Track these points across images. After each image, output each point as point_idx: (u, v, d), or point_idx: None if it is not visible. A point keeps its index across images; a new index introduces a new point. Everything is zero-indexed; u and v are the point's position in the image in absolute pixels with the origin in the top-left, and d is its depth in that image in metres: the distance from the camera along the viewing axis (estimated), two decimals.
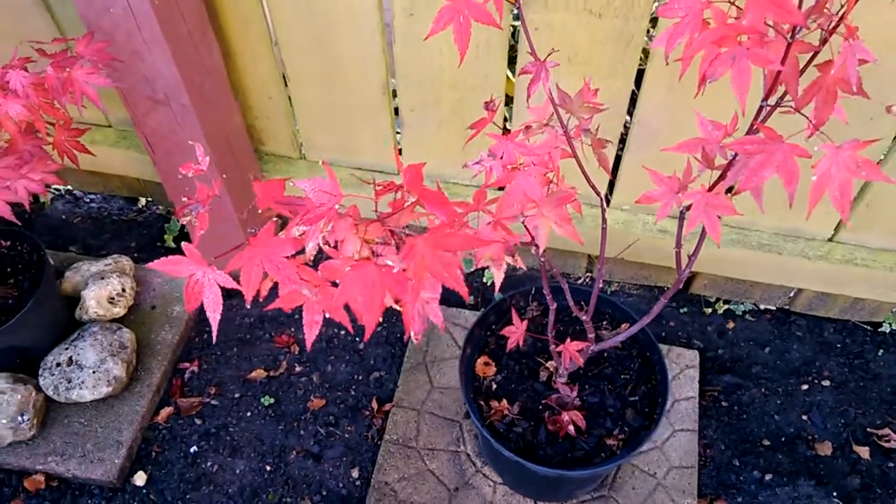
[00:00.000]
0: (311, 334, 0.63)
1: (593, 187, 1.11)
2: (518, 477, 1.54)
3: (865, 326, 1.92)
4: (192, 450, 1.71)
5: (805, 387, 1.82)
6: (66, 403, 1.69)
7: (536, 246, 0.97)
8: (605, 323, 1.57)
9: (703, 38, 0.66)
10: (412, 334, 0.68)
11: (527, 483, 1.55)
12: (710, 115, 0.95)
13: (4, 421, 1.59)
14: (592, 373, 1.51)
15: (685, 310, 1.97)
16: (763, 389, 1.82)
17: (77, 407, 1.70)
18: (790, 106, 0.82)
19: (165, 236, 2.09)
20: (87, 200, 2.23)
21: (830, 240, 1.69)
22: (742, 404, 1.80)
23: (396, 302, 0.64)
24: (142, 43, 1.32)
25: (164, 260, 0.73)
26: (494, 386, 1.50)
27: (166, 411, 1.76)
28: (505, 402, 1.47)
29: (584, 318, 1.33)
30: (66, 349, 1.68)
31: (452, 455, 1.67)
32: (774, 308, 1.96)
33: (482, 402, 1.47)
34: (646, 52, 1.48)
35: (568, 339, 1.35)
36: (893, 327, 1.90)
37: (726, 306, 1.97)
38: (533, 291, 1.59)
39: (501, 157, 1.05)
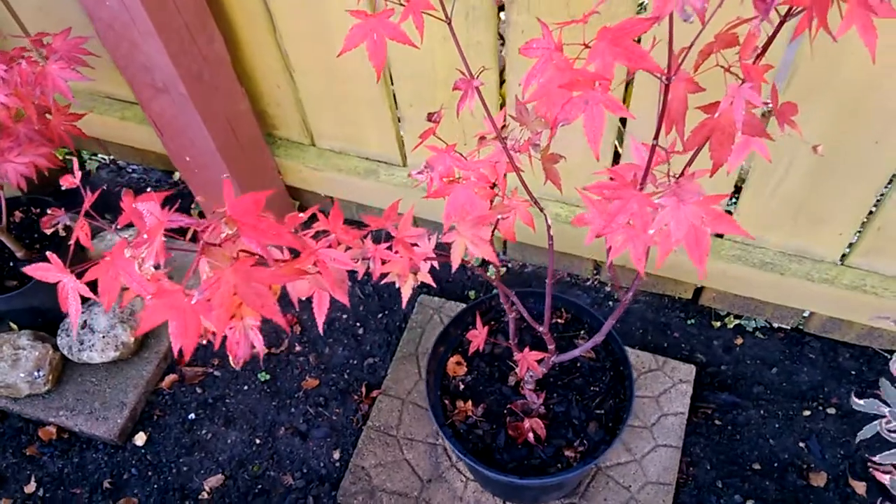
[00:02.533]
0: (186, 344, 0.65)
1: (535, 203, 1.10)
2: (478, 476, 1.56)
3: (885, 354, 1.81)
4: (190, 416, 1.82)
5: (808, 412, 1.74)
6: (79, 363, 1.82)
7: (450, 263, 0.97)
8: (582, 332, 1.56)
9: (549, 81, 0.65)
10: (231, 359, 0.71)
11: (489, 483, 1.57)
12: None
13: (22, 375, 1.73)
14: (562, 381, 1.50)
15: (692, 321, 1.91)
16: (762, 411, 1.76)
17: (90, 367, 1.83)
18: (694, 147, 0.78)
19: (191, 210, 2.20)
20: (130, 171, 2.36)
21: (841, 263, 1.60)
22: (737, 424, 1.74)
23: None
24: (137, 34, 1.38)
25: (34, 266, 0.79)
26: (462, 386, 1.51)
27: (171, 378, 1.87)
28: (470, 403, 1.48)
29: (541, 329, 1.32)
30: (83, 312, 1.81)
31: (430, 447, 1.70)
32: (789, 327, 1.87)
33: (448, 402, 1.49)
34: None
35: (527, 349, 1.35)
36: None
37: (737, 321, 1.90)
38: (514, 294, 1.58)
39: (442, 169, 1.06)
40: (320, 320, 0.83)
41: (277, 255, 0.79)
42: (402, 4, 0.92)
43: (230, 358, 0.70)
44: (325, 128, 1.84)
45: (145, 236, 0.60)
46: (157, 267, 0.66)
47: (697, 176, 0.86)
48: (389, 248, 0.89)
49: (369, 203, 1.95)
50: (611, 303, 1.97)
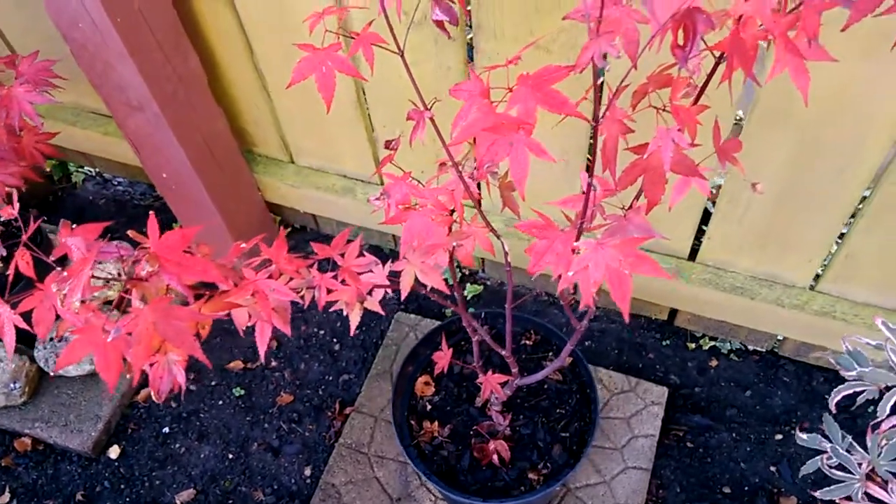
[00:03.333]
0: (108, 377, 0.67)
1: (493, 230, 1.11)
2: (444, 497, 1.57)
3: None
4: (164, 430, 1.83)
5: (780, 436, 1.74)
6: (56, 376, 1.83)
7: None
8: (550, 354, 1.56)
9: (473, 124, 0.66)
10: (153, 394, 0.72)
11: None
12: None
13: None
14: (529, 403, 1.51)
15: (668, 343, 1.92)
16: (734, 434, 1.76)
17: (66, 380, 1.85)
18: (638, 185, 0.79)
19: (174, 224, 2.21)
20: (115, 183, 2.38)
21: (812, 289, 1.60)
22: (708, 447, 1.74)
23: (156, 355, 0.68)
24: (110, 55, 1.40)
25: None
26: (429, 406, 1.52)
27: (146, 391, 1.88)
28: (437, 423, 1.49)
29: (504, 353, 1.32)
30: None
31: (400, 466, 1.70)
32: (763, 350, 1.87)
33: (414, 422, 1.50)
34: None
35: (490, 372, 1.35)
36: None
37: (712, 343, 1.90)
38: (483, 315, 1.59)
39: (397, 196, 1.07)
40: (262, 349, 0.84)
41: (225, 285, 0.80)
42: (351, 37, 0.94)
43: (152, 393, 0.71)
44: (303, 146, 1.86)
45: (65, 274, 0.61)
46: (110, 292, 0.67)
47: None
48: (335, 276, 0.90)
49: (347, 220, 1.96)
50: (587, 321, 1.97)
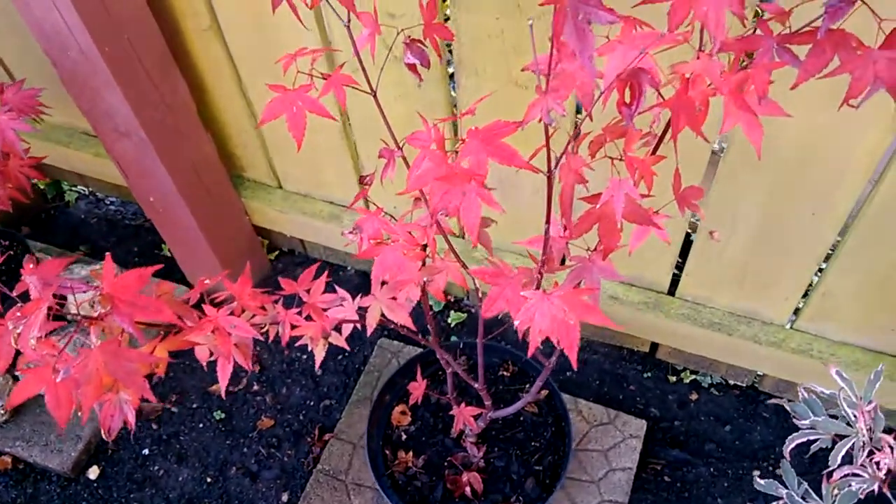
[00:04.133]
0: (59, 415, 0.68)
1: (464, 265, 1.13)
2: None
3: None
4: (144, 452, 1.84)
5: (758, 472, 1.74)
6: (38, 395, 1.84)
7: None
8: (527, 386, 1.57)
9: (425, 173, 0.67)
10: (103, 432, 0.73)
11: None
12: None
13: None
14: (505, 435, 1.52)
15: (649, 375, 1.92)
16: (712, 469, 1.76)
17: None
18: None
19: (163, 245, 2.23)
20: (107, 203, 2.40)
21: (790, 327, 1.61)
22: (686, 482, 1.74)
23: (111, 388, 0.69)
24: (99, 83, 1.43)
25: None
26: (405, 436, 1.53)
27: None
28: (411, 454, 1.50)
29: (476, 386, 1.33)
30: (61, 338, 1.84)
31: (376, 493, 1.70)
32: (744, 385, 1.88)
33: (389, 451, 1.50)
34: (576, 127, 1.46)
35: (463, 404, 1.36)
36: None
37: (693, 376, 1.91)
38: (461, 345, 1.60)
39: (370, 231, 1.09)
40: (222, 384, 0.85)
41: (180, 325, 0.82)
42: (323, 78, 0.96)
43: (102, 431, 0.72)
44: (291, 172, 1.88)
45: (18, 314, 0.62)
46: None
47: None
48: (300, 312, 0.91)
49: (334, 246, 1.98)
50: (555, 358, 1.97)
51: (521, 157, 0.66)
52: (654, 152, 0.85)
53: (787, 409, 0.88)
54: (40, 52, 1.69)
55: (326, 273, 0.99)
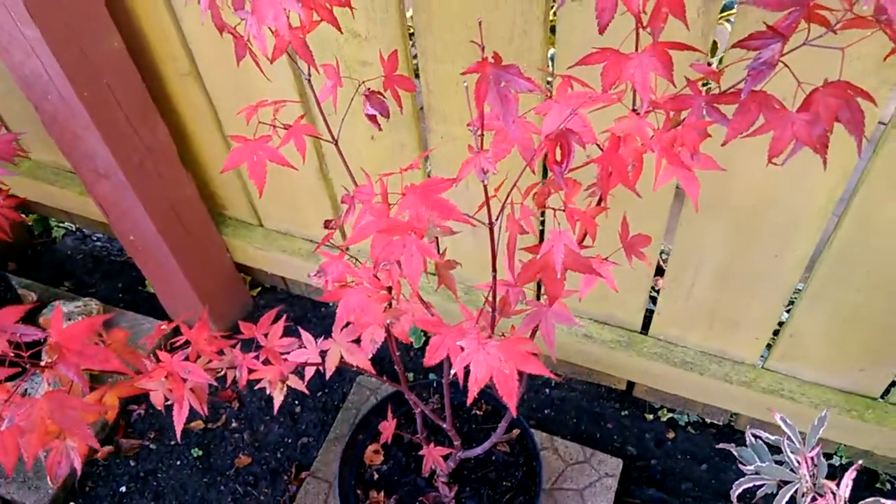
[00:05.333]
0: (6, 462, 0.69)
1: (427, 307, 1.14)
2: None
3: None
4: (121, 489, 1.84)
5: None
6: None
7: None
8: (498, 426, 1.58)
9: (367, 226, 0.70)
10: (49, 479, 0.75)
11: None
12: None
13: None
14: (476, 475, 1.52)
15: (626, 413, 1.93)
16: None
17: None
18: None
19: (147, 282, 2.25)
20: (94, 239, 2.43)
21: (762, 366, 1.63)
22: None
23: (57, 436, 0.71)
24: (78, 126, 1.46)
25: None
26: (377, 475, 1.53)
27: (106, 449, 1.89)
28: (383, 494, 1.50)
29: (445, 426, 1.34)
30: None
31: None
32: (720, 423, 1.89)
33: (361, 491, 1.51)
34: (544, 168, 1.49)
35: (432, 444, 1.37)
36: (843, 462, 1.79)
37: (670, 414, 1.91)
38: (434, 384, 1.61)
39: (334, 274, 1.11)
40: (178, 428, 0.87)
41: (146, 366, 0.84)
42: (284, 128, 0.99)
43: (48, 478, 0.74)
44: (271, 210, 1.91)
45: None
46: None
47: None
48: (257, 356, 0.93)
49: (314, 283, 2.00)
50: (547, 390, 1.99)
51: (459, 212, 0.69)
52: (599, 203, 0.88)
53: (735, 453, 0.89)
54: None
55: (284, 318, 1.01)
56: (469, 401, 0.71)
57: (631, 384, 1.93)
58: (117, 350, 0.73)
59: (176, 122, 1.71)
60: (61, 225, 2.46)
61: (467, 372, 0.74)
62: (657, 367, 1.67)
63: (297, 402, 1.98)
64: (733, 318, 1.53)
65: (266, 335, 0.95)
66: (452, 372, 0.70)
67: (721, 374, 1.63)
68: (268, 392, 0.97)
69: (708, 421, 1.89)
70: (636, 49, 0.71)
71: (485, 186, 0.73)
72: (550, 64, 1.40)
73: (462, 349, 0.70)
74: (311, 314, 2.20)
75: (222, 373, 0.90)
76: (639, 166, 0.76)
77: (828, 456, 1.80)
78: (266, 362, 0.94)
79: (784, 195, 1.23)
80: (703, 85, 1.46)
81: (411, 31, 1.30)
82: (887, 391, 1.55)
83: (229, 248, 2.00)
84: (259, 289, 2.24)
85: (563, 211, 0.80)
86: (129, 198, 1.60)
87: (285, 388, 0.96)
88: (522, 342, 0.71)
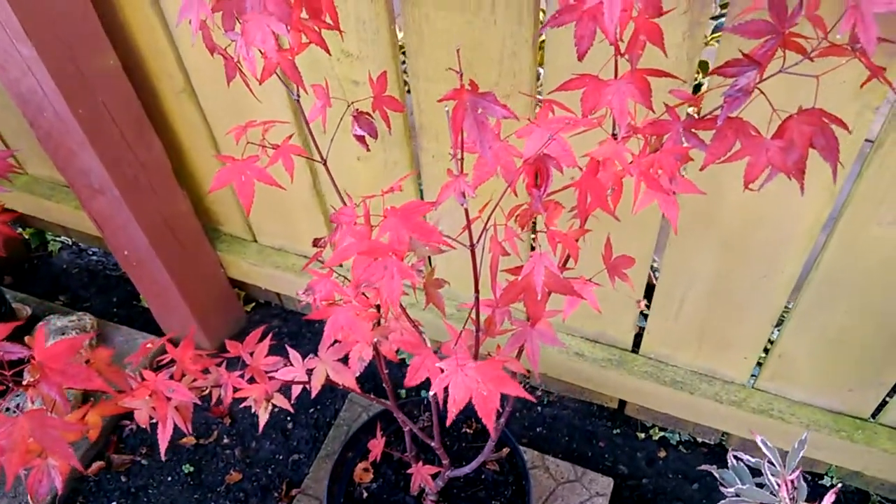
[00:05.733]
0: None
1: (415, 326, 1.15)
2: None
3: (806, 475, 1.81)
4: None
5: None
6: None
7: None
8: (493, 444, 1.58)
9: (347, 248, 0.71)
10: (29, 497, 0.75)
11: None
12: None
13: None
14: (466, 494, 1.52)
15: (618, 431, 1.93)
16: None
17: None
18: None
19: (142, 297, 2.26)
20: (90, 253, 2.44)
21: (752, 386, 1.63)
22: None
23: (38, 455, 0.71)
24: (73, 143, 1.47)
25: None
26: (366, 494, 1.53)
27: (98, 464, 1.89)
28: None
29: (433, 444, 1.35)
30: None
31: None
32: (712, 443, 1.88)
33: None
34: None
35: (420, 463, 1.37)
36: (834, 481, 1.78)
37: (662, 433, 1.91)
38: (425, 402, 1.62)
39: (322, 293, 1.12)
40: (162, 447, 0.87)
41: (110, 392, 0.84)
42: (272, 148, 1.00)
43: (29, 497, 0.74)
44: (265, 226, 1.92)
45: None
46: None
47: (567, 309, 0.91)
48: (242, 375, 0.94)
49: (303, 301, 2.01)
50: (540, 408, 1.99)
51: (439, 235, 0.70)
52: (581, 225, 0.89)
53: (716, 476, 0.89)
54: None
55: (270, 337, 1.01)
56: (448, 422, 0.72)
57: (623, 402, 1.93)
58: (101, 368, 0.74)
59: (171, 139, 1.73)
60: (57, 239, 2.47)
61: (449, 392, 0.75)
62: (648, 386, 1.68)
63: (288, 418, 1.98)
64: (722, 337, 1.54)
65: (252, 354, 0.95)
66: (431, 393, 0.70)
67: (711, 393, 1.63)
68: (253, 410, 0.97)
69: (699, 440, 1.89)
70: (615, 75, 0.72)
71: (465, 210, 0.74)
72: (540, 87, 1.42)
73: (441, 371, 0.70)
74: (306, 329, 2.20)
75: (207, 391, 0.91)
76: (618, 190, 0.77)
77: (819, 476, 1.80)
78: (251, 381, 0.94)
79: (771, 216, 1.24)
80: (691, 107, 1.47)
81: (404, 49, 1.31)
82: (877, 412, 1.55)
83: (223, 263, 2.01)
84: (253, 304, 2.25)
85: (545, 233, 0.81)
86: (124, 213, 1.61)
87: (270, 407, 0.96)
88: (501, 364, 0.72)
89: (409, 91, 1.45)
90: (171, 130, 1.71)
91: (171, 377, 0.85)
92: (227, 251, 1.98)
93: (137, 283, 1.91)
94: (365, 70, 1.35)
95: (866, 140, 1.10)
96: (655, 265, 1.83)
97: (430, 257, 1.68)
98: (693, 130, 0.74)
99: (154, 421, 0.87)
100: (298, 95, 1.01)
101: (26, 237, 2.46)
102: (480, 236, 0.77)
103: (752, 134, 0.70)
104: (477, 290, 0.82)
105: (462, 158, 0.68)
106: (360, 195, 1.65)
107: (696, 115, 0.77)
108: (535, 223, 1.47)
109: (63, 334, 1.96)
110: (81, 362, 0.70)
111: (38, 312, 2.14)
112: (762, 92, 0.72)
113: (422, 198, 1.65)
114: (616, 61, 0.72)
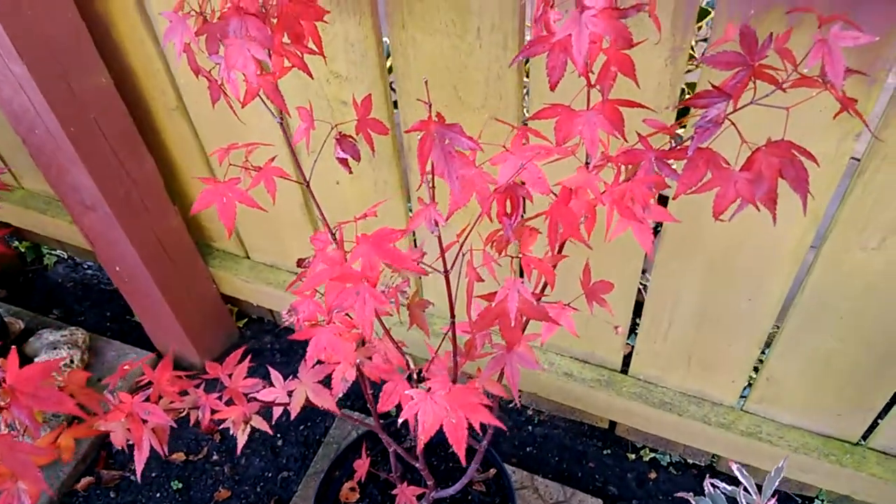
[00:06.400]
0: None
1: (398, 347, 1.15)
2: None
3: (797, 498, 1.80)
4: None
5: None
6: None
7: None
8: (479, 467, 1.57)
9: (319, 275, 0.71)
10: None
11: None
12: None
13: None
14: None
15: (609, 452, 1.92)
16: None
17: None
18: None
19: (132, 316, 2.26)
20: (85, 267, 2.45)
21: (741, 408, 1.62)
22: None
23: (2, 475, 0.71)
24: (64, 160, 1.48)
25: None
26: None
27: (87, 480, 1.89)
28: None
29: (417, 465, 1.34)
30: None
31: None
32: (702, 464, 1.88)
33: None
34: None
35: (405, 483, 1.37)
36: None
37: (652, 454, 1.91)
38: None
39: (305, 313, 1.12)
40: (139, 468, 0.87)
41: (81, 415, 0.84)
42: (254, 170, 1.01)
43: None
44: (257, 243, 1.93)
45: None
46: None
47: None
48: (220, 397, 0.94)
49: (286, 321, 2.01)
50: (530, 427, 1.98)
51: (411, 261, 0.70)
52: (559, 251, 0.89)
53: (692, 503, 0.89)
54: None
55: (249, 358, 1.01)
56: (419, 450, 0.72)
57: (613, 423, 1.93)
58: (74, 391, 0.74)
59: (164, 155, 1.74)
60: (53, 252, 2.48)
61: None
62: (637, 407, 1.67)
63: (278, 435, 1.98)
64: (710, 359, 1.54)
65: (231, 375, 0.95)
66: (400, 421, 0.70)
67: (700, 415, 1.62)
68: (231, 433, 0.98)
69: (690, 461, 1.88)
70: (588, 105, 0.73)
71: (438, 237, 0.75)
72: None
73: (411, 398, 0.70)
74: (298, 346, 2.20)
75: (185, 413, 0.91)
76: (592, 217, 0.77)
77: (810, 500, 1.79)
78: (230, 403, 0.95)
79: (754, 240, 1.24)
80: (679, 128, 1.48)
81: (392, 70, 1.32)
82: (865, 436, 1.54)
83: (216, 279, 2.01)
84: (246, 320, 2.25)
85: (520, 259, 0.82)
86: (115, 229, 1.62)
87: (249, 429, 0.96)
88: (472, 392, 0.72)
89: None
90: (164, 147, 1.72)
91: (148, 399, 0.85)
92: (219, 267, 1.98)
93: (129, 299, 1.92)
94: (354, 90, 1.36)
95: (853, 158, 1.10)
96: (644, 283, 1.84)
97: (420, 277, 1.68)
98: (665, 160, 0.74)
99: (130, 442, 0.87)
100: (282, 118, 1.01)
101: (22, 250, 2.47)
102: (454, 261, 0.77)
103: (723, 165, 0.70)
104: (453, 315, 0.82)
105: (433, 187, 0.69)
106: (351, 213, 1.66)
107: (677, 143, 0.77)
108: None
109: (55, 349, 1.96)
110: (55, 385, 0.70)
111: (32, 326, 2.14)
112: (733, 123, 0.72)
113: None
114: (588, 92, 0.73)
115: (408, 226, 0.68)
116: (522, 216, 0.80)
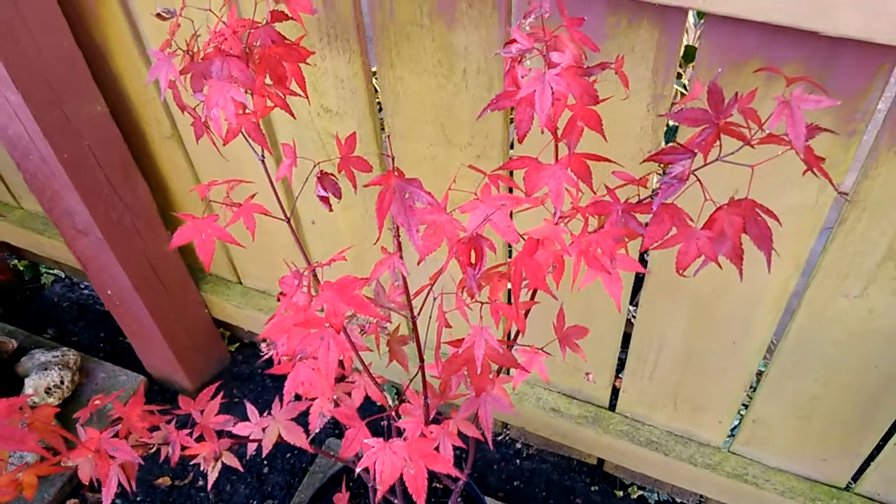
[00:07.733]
0: None
1: (377, 384, 1.15)
2: None
3: None
4: None
5: None
6: None
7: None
8: (460, 500, 1.56)
9: (283, 320, 0.72)
10: None
11: None
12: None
13: None
14: None
15: (597, 488, 1.91)
16: None
17: None
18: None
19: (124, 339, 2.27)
20: (81, 287, 2.46)
21: (728, 449, 1.61)
22: None
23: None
24: (58, 185, 1.50)
25: None
26: None
27: (72, 502, 1.89)
28: None
29: (396, 502, 1.34)
30: None
31: None
32: None
33: None
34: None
35: None
36: None
37: (640, 492, 1.89)
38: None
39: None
40: (106, 502, 0.87)
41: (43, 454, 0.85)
42: (235, 206, 1.02)
43: None
44: (249, 269, 1.94)
45: None
46: None
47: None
48: (190, 433, 0.94)
49: (265, 354, 2.01)
50: (518, 461, 1.97)
51: (374, 308, 0.70)
52: (531, 298, 0.89)
53: None
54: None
55: (220, 395, 1.02)
56: (378, 497, 0.72)
57: (601, 459, 1.91)
58: (39, 428, 0.75)
59: (158, 181, 1.75)
60: (50, 271, 2.50)
61: None
62: (623, 445, 1.66)
63: (265, 462, 1.97)
64: (697, 400, 1.53)
65: (202, 411, 0.96)
66: (358, 470, 0.70)
67: (686, 455, 1.61)
68: (201, 469, 0.97)
69: (678, 500, 1.87)
70: (555, 158, 0.74)
71: (405, 283, 0.75)
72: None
73: (369, 447, 0.71)
74: None
75: (154, 449, 0.91)
76: (560, 267, 0.77)
77: None
78: (201, 439, 0.95)
79: (736, 285, 1.24)
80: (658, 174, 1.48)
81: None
82: (854, 480, 1.52)
83: (207, 304, 2.02)
84: (238, 344, 2.25)
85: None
86: (106, 254, 1.63)
87: (220, 465, 0.96)
88: (430, 442, 0.72)
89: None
90: (159, 173, 1.74)
91: (117, 434, 0.85)
92: (211, 292, 1.99)
93: (120, 322, 1.92)
94: (344, 125, 1.38)
95: (841, 193, 1.10)
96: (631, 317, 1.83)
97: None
98: (632, 213, 0.75)
99: (97, 478, 0.87)
100: (263, 156, 1.02)
101: (20, 269, 2.49)
102: (422, 305, 0.77)
103: (686, 222, 0.71)
104: (422, 360, 0.82)
105: (398, 236, 0.69)
106: (344, 241, 1.67)
107: (652, 194, 0.78)
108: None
109: (45, 370, 1.97)
110: (20, 422, 0.71)
111: (25, 346, 2.15)
112: (699, 179, 0.72)
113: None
114: (556, 145, 0.73)
115: (371, 275, 0.69)
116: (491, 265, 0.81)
